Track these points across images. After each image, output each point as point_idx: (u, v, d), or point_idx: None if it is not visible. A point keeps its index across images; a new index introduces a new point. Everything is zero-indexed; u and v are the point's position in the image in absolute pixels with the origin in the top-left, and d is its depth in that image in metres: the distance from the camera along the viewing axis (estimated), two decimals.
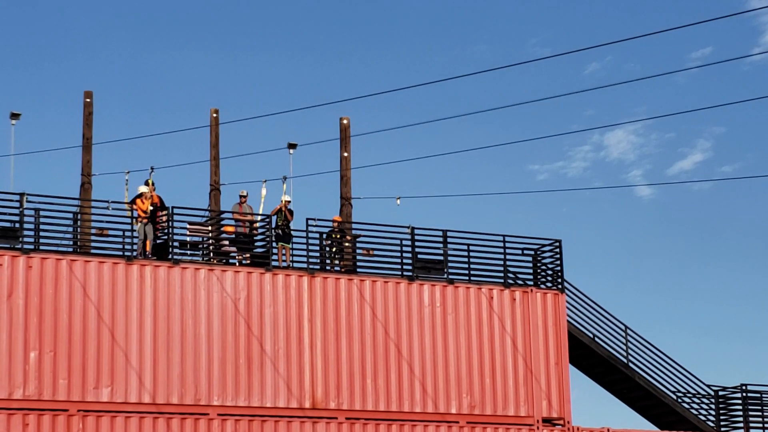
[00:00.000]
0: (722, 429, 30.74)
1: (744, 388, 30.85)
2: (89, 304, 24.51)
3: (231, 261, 26.66)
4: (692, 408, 30.84)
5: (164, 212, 26.37)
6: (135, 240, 25.61)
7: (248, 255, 26.69)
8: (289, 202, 27.74)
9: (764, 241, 71.21)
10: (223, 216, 27.13)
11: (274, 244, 26.60)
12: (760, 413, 30.72)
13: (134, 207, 26.10)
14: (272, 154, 30.14)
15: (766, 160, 70.80)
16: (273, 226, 26.95)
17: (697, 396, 30.95)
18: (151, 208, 26.23)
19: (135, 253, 25.19)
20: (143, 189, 26.34)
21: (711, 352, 68.21)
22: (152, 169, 26.59)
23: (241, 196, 27.68)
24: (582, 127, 71.04)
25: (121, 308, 24.70)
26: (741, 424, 30.66)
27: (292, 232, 27.29)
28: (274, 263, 26.54)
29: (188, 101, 65.65)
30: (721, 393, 31.15)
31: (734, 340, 69.51)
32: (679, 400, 30.66)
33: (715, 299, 71.36)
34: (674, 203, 74.51)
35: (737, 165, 69.58)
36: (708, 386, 31.10)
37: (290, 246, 27.20)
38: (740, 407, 30.86)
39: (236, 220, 26.89)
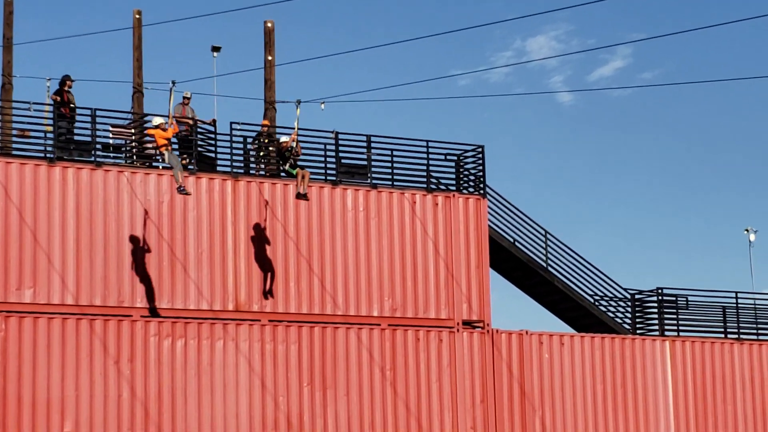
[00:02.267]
0: (638, 331, 31.53)
1: (660, 291, 31.60)
2: (11, 206, 24.40)
3: (155, 164, 26.58)
4: (609, 311, 31.57)
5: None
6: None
7: (187, 158, 26.45)
8: (297, 134, 26.12)
9: (682, 147, 72.20)
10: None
11: (292, 172, 26.07)
12: (674, 316, 31.50)
13: (158, 137, 24.60)
14: (196, 56, 29.95)
15: (685, 67, 71.55)
16: (282, 159, 26.31)
17: (614, 299, 31.68)
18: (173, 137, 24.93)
19: (182, 188, 24.36)
20: (160, 120, 24.71)
21: (628, 256, 69.49)
22: (173, 83, 24.26)
23: (184, 98, 27.53)
24: (504, 32, 71.01)
25: (44, 210, 24.63)
26: (656, 326, 31.45)
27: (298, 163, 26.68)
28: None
29: (111, 2, 64.65)
30: (637, 296, 31.89)
31: (651, 245, 70.83)
32: (597, 303, 31.37)
33: (633, 205, 72.52)
34: (594, 109, 75.17)
35: (657, 72, 70.21)
36: (625, 290, 31.81)
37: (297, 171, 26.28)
38: (655, 310, 31.62)
39: (178, 122, 26.68)
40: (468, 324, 28.11)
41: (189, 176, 25.98)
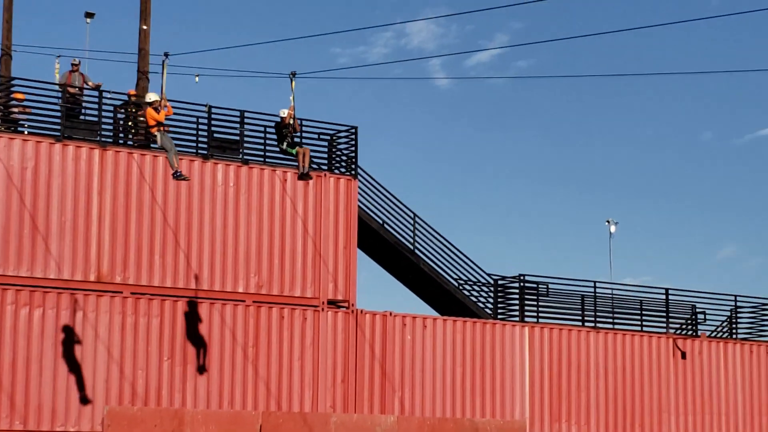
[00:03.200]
0: (499, 316, 32.02)
1: (522, 278, 32.13)
2: None
3: (20, 129, 25.96)
4: (472, 295, 32.00)
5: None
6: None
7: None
8: (293, 109, 25.31)
9: (550, 137, 73.38)
10: (12, 83, 26.30)
11: (291, 151, 25.61)
12: (535, 302, 32.06)
13: (149, 117, 22.97)
14: (68, 22, 29.25)
15: (560, 57, 72.61)
16: (280, 137, 25.64)
17: (478, 284, 32.11)
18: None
19: (178, 173, 23.42)
20: (154, 96, 23.02)
21: (494, 242, 70.48)
22: (166, 55, 22.51)
23: (72, 65, 26.87)
24: (385, 12, 71.07)
25: None
26: (516, 312, 31.98)
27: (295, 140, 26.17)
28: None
29: None
30: (500, 282, 32.38)
31: (516, 233, 71.95)
32: (461, 288, 31.76)
33: (501, 192, 73.51)
34: (470, 95, 75.88)
35: (532, 60, 71.11)
36: (489, 275, 32.28)
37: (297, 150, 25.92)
38: (517, 296, 32.15)
39: (66, 89, 25.93)
40: (333, 303, 28.19)
41: (56, 143, 25.44)
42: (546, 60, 71.08)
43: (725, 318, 35.02)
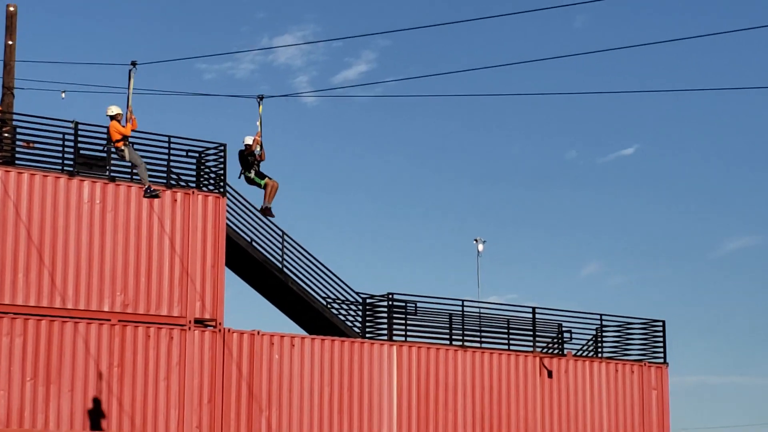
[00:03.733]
0: (367, 334, 32.21)
1: (390, 296, 32.38)
2: None
3: None
4: (341, 314, 32.14)
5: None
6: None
7: None
8: (260, 135, 24.74)
9: (417, 156, 74.01)
10: None
11: (259, 182, 24.97)
12: (403, 320, 32.32)
13: (114, 131, 22.63)
14: None
15: (429, 71, 73.37)
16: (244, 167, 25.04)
17: (346, 303, 32.28)
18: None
19: (150, 190, 23.15)
20: (116, 109, 22.65)
21: (363, 261, 70.88)
22: (134, 65, 21.90)
23: None
24: (252, 28, 71.07)
25: None
26: (385, 330, 32.20)
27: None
28: None
29: None
30: (368, 300, 32.59)
31: (385, 251, 72.47)
32: (329, 306, 31.89)
33: (369, 211, 73.98)
34: (338, 112, 76.24)
35: (401, 77, 71.78)
36: (357, 293, 32.45)
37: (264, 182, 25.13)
38: (385, 314, 32.39)
39: None
40: (200, 322, 28.07)
41: None
42: (415, 75, 71.78)
43: (591, 336, 35.71)
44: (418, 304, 32.66)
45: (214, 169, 29.08)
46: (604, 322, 35.86)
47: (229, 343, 28.38)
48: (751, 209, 74.05)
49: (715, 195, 74.36)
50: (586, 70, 75.07)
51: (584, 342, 35.64)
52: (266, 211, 24.97)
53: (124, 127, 22.49)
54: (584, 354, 35.43)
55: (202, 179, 28.93)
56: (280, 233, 31.22)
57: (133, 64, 21.78)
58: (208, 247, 28.39)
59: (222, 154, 29.02)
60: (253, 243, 30.72)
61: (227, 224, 29.31)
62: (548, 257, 73.32)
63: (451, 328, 32.99)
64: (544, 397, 33.61)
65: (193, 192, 28.39)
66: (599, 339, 35.67)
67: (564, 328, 35.30)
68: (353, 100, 74.31)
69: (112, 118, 22.60)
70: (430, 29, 71.35)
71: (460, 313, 33.26)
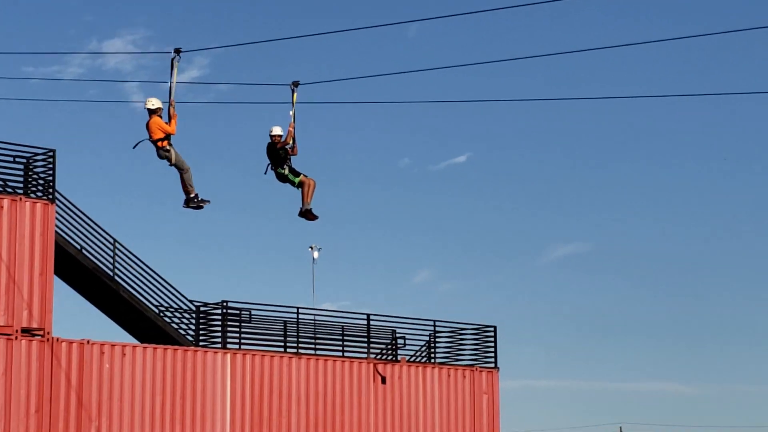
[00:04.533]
0: (201, 343, 31.89)
1: (224, 304, 32.12)
2: None
3: None
4: (173, 322, 31.75)
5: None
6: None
7: None
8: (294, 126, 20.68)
9: (250, 162, 73.70)
10: None
11: (294, 180, 20.80)
12: (237, 328, 32.10)
13: (158, 128, 19.26)
14: None
15: (260, 78, 73.25)
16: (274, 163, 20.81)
17: (180, 311, 31.90)
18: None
19: (198, 198, 19.66)
20: (157, 102, 19.44)
21: (197, 268, 70.25)
22: (177, 52, 18.63)
23: None
24: (80, 31, 69.85)
25: None
26: (219, 339, 31.93)
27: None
28: None
29: None
30: (202, 308, 32.27)
31: (219, 258, 72.00)
32: (162, 315, 31.46)
33: (204, 219, 73.37)
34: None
35: (233, 84, 71.44)
36: (191, 301, 32.11)
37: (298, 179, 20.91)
38: (219, 322, 32.12)
39: None
40: (27, 332, 27.35)
41: None
42: (248, 80, 71.60)
43: (424, 342, 36.08)
44: (253, 312, 32.51)
45: (42, 175, 28.40)
46: (437, 328, 36.28)
47: (58, 353, 27.72)
48: (578, 217, 76.05)
49: (544, 202, 76.13)
50: (419, 79, 76.00)
51: (418, 348, 36.00)
52: (308, 214, 21.09)
53: (167, 123, 19.33)
54: (418, 360, 35.78)
55: (30, 186, 28.20)
56: (112, 241, 30.68)
57: (177, 51, 18.70)
58: (36, 254, 27.69)
59: (51, 159, 28.36)
60: (84, 251, 30.11)
61: (56, 231, 28.65)
62: (381, 264, 73.95)
63: (285, 336, 32.91)
64: (378, 403, 33.80)
65: (20, 199, 27.66)
66: (432, 345, 36.06)
67: (398, 335, 35.62)
68: (185, 106, 73.61)
69: (152, 112, 19.35)
70: (264, 35, 71.15)
71: (295, 320, 33.23)
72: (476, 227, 73.79)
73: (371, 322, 34.99)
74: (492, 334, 36.70)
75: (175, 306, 31.77)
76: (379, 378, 34.00)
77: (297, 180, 20.69)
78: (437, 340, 36.28)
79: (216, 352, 30.90)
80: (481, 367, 36.24)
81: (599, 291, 73.94)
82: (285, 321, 33.12)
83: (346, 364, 33.51)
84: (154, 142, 19.36)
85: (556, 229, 75.36)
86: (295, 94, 19.69)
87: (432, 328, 36.20)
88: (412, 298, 72.88)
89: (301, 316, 33.42)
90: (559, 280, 74.87)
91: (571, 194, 75.42)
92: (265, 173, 20.82)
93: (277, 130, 20.41)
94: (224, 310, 32.03)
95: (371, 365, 33.98)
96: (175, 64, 18.67)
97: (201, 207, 20.09)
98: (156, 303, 31.38)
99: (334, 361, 33.29)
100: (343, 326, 34.50)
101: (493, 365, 36.48)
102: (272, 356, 32.01)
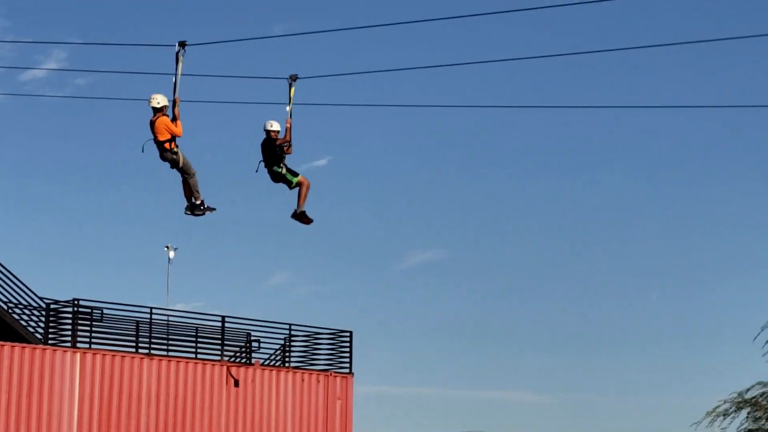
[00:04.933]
0: (50, 341, 31.08)
1: (75, 302, 31.38)
2: None
3: None
4: (22, 320, 30.87)
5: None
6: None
7: None
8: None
9: (103, 160, 72.51)
10: None
11: (292, 179, 19.09)
12: (89, 327, 31.39)
13: (165, 128, 17.57)
14: None
15: (116, 75, 71.98)
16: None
17: (29, 308, 31.03)
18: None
19: (204, 206, 18.17)
20: (162, 100, 17.72)
21: (48, 265, 68.63)
22: (182, 45, 17.07)
23: None
24: None
25: None
26: (69, 337, 31.18)
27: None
28: None
29: None
30: (52, 306, 31.46)
31: (71, 256, 70.49)
32: (10, 311, 30.56)
33: (55, 213, 71.81)
34: (27, 111, 73.75)
35: (91, 78, 70.09)
36: (41, 298, 31.27)
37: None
38: (70, 321, 31.36)
39: None
40: None
41: None
42: (106, 77, 70.45)
43: (279, 346, 35.81)
44: (105, 311, 31.84)
45: None
46: (292, 332, 36.04)
47: None
48: (435, 224, 76.61)
49: (402, 208, 76.50)
50: (279, 82, 75.49)
51: (272, 351, 35.73)
52: (303, 217, 19.51)
53: (174, 123, 17.75)
54: (272, 363, 35.49)
55: None
56: None
57: (182, 45, 17.30)
58: None
59: None
60: None
61: None
62: (237, 266, 73.21)
63: (137, 336, 32.30)
64: (230, 407, 33.40)
65: None
66: (287, 349, 35.81)
67: (252, 338, 35.28)
68: (42, 98, 71.84)
69: (157, 110, 17.72)
70: (119, 27, 69.97)
71: (148, 320, 32.65)
72: (334, 232, 73.77)
73: (226, 325, 34.58)
74: (348, 339, 36.60)
75: (25, 303, 30.91)
76: (232, 381, 33.61)
77: (295, 180, 19.16)
78: (292, 344, 36.04)
79: (65, 351, 30.16)
80: (335, 372, 36.12)
81: (455, 298, 74.58)
82: (137, 321, 32.53)
83: (199, 366, 33.03)
84: (161, 143, 17.81)
85: (414, 235, 75.81)
86: (293, 89, 18.48)
87: (287, 331, 35.96)
88: (267, 301, 72.40)
89: (154, 316, 32.88)
90: (415, 286, 75.23)
91: (429, 201, 75.92)
92: (257, 171, 19.18)
93: (274, 125, 18.92)
94: (75, 309, 31.30)
95: (224, 368, 33.56)
96: (180, 58, 17.33)
97: (202, 214, 18.71)
98: (4, 299, 30.50)
99: (187, 362, 32.79)
100: (197, 328, 34.02)
101: (347, 371, 36.39)
102: (123, 356, 31.39)
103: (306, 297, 73.87)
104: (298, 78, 18.45)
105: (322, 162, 75.43)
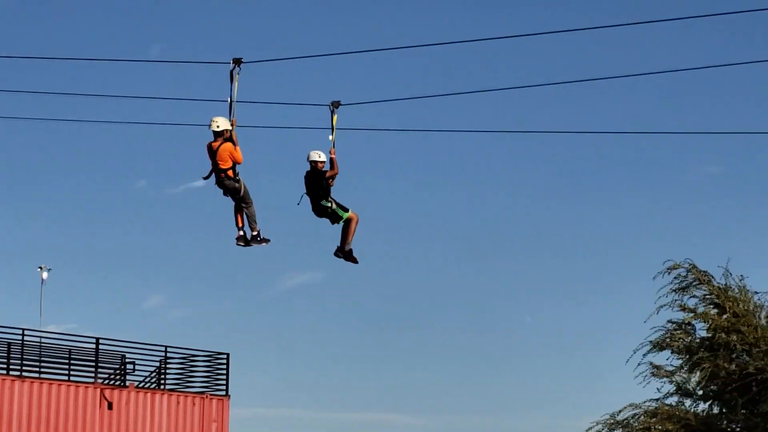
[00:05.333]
0: None
1: None
2: None
3: None
4: None
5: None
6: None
7: None
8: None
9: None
10: None
11: (342, 215, 17.80)
12: None
13: (229, 155, 16.36)
14: None
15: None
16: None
17: None
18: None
19: (260, 236, 17.06)
20: (224, 123, 16.39)
21: None
22: (238, 63, 15.72)
23: None
24: None
25: None
26: None
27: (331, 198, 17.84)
28: None
29: None
30: None
31: None
32: None
33: None
34: None
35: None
36: None
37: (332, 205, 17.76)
38: None
39: None
40: None
41: None
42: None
43: (154, 368, 35.39)
44: None
45: None
46: (168, 354, 35.67)
47: None
48: (313, 246, 76.57)
49: (280, 230, 76.18)
50: (162, 103, 74.82)
51: (147, 373, 35.28)
52: (350, 256, 18.18)
53: (235, 148, 16.59)
54: (147, 386, 35.03)
55: None
56: None
57: (237, 62, 15.95)
58: None
59: None
60: None
61: None
62: (111, 288, 72.07)
63: (9, 358, 31.63)
64: (104, 429, 32.91)
65: None
66: (162, 371, 35.41)
67: (127, 360, 34.79)
68: None
69: (217, 134, 16.47)
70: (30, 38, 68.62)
71: (20, 342, 31.98)
72: (209, 254, 73.22)
73: (100, 347, 34.04)
74: (224, 361, 36.32)
75: None
76: (106, 403, 33.09)
77: (345, 216, 17.79)
78: (168, 366, 35.65)
79: None
80: (212, 394, 35.80)
81: (330, 321, 74.61)
82: (9, 342, 31.86)
83: (72, 388, 32.46)
84: (222, 170, 16.70)
85: (291, 258, 75.66)
86: (335, 116, 17.06)
87: (163, 354, 35.56)
88: (142, 323, 71.36)
89: (26, 337, 32.23)
90: (292, 308, 75.03)
91: (305, 223, 75.89)
92: (299, 204, 17.77)
93: (322, 156, 17.46)
94: None
95: (98, 390, 33.03)
96: (235, 76, 16.08)
97: (258, 244, 17.62)
98: None
99: (60, 385, 32.20)
100: (70, 349, 33.43)
101: (224, 393, 36.08)
102: None
103: (181, 319, 73.08)
104: (340, 105, 17.20)
105: (200, 183, 75.00)
